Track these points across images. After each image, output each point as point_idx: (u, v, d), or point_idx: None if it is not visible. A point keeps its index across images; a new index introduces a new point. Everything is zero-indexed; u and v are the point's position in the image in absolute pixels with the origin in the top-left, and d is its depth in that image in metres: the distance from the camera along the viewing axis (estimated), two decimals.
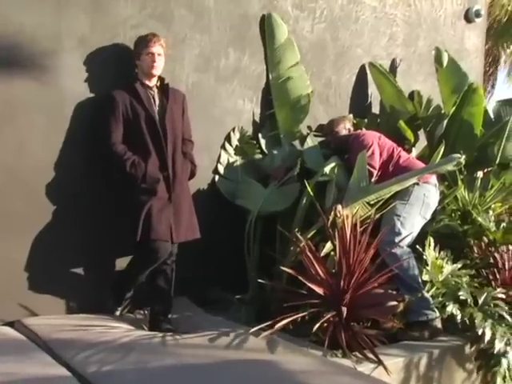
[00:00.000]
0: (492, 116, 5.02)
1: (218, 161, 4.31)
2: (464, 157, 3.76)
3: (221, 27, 4.26)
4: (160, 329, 3.47)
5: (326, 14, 4.88)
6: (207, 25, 4.19)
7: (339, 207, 3.70)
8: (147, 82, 3.62)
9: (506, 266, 4.18)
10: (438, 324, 3.64)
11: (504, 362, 3.46)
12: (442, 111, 4.97)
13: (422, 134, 5.06)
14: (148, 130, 3.51)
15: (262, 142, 4.50)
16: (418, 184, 3.88)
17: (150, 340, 3.24)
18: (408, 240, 3.77)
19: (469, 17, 5.80)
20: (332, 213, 3.70)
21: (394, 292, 3.65)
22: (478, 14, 5.80)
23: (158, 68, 3.61)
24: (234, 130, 4.38)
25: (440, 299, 3.67)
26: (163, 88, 3.67)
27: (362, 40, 5.14)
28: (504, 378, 3.51)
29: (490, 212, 4.27)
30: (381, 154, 4.03)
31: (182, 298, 3.91)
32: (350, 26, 5.05)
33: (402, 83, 5.08)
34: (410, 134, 4.89)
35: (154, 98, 3.62)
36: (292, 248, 3.90)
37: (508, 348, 3.45)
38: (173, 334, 3.38)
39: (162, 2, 3.93)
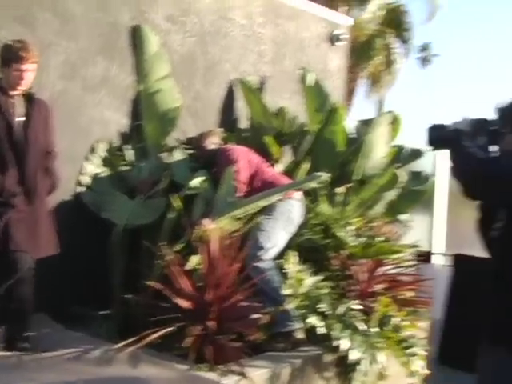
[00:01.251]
0: (353, 135, 5.35)
1: (83, 172, 4.22)
2: (328, 175, 3.98)
3: (89, 34, 4.20)
4: (17, 348, 3.33)
5: (196, 28, 4.97)
6: (74, 31, 4.11)
7: (206, 221, 3.78)
8: (10, 92, 3.44)
9: (363, 279, 4.46)
10: (300, 335, 3.81)
11: (359, 368, 3.70)
12: (307, 128, 5.23)
13: (287, 149, 5.27)
14: (7, 141, 3.35)
15: (130, 153, 4.48)
16: (282, 199, 4.04)
17: (5, 360, 3.10)
18: (272, 254, 3.91)
19: (332, 40, 6.16)
20: (199, 226, 3.77)
21: (259, 304, 3.77)
22: (338, 38, 6.17)
23: (26, 83, 3.42)
24: (100, 140, 4.31)
25: (302, 311, 3.84)
26: (27, 97, 3.50)
27: (231, 55, 5.29)
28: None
29: (350, 227, 4.53)
30: (248, 169, 4.15)
31: (41, 315, 3.77)
32: (219, 41, 5.17)
33: (269, 100, 5.29)
34: (275, 150, 5.07)
35: (15, 107, 3.45)
36: (158, 261, 3.90)
37: (363, 356, 3.69)
38: (31, 353, 3.25)
39: (24, 4, 3.80)
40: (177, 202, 3.98)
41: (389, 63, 18.75)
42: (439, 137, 2.47)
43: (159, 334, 3.39)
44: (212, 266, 3.61)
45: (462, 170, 2.24)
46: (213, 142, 4.48)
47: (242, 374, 3.24)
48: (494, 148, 2.40)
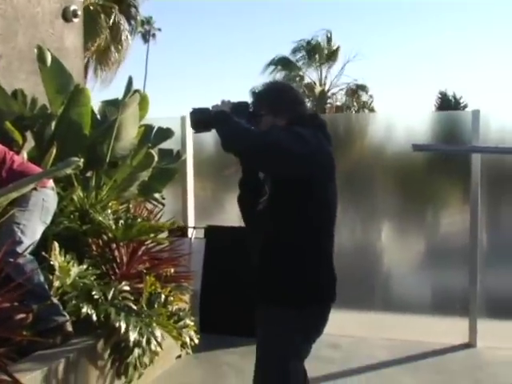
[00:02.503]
0: (98, 116, 5.25)
1: None
2: (82, 160, 3.87)
3: None
4: None
5: None
6: None
7: None
8: None
9: (125, 261, 4.48)
10: (69, 327, 3.70)
11: (136, 351, 3.74)
12: (49, 111, 4.98)
13: (29, 135, 4.98)
14: None
15: None
16: (35, 189, 3.82)
17: None
18: (30, 248, 3.70)
19: (66, 16, 5.91)
20: None
21: (21, 304, 3.55)
22: (75, 14, 5.95)
23: None
24: None
25: (74, 302, 3.73)
26: None
27: None
28: (135, 366, 3.79)
29: (108, 210, 4.49)
30: None
31: None
32: None
33: (3, 81, 4.90)
34: (17, 136, 4.76)
35: None
36: None
37: (140, 336, 3.74)
38: None
39: None
40: None
41: (116, 40, 18.64)
42: (203, 119, 2.64)
43: None
44: None
45: (235, 143, 2.42)
46: None
47: (13, 382, 3.04)
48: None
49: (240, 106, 2.64)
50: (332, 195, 2.60)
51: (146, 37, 43.44)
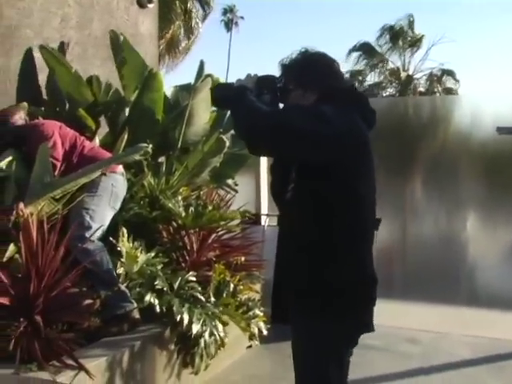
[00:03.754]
0: (171, 101, 5.19)
1: None
2: (151, 146, 3.80)
3: None
4: None
5: None
6: None
7: (21, 205, 3.42)
8: None
9: (195, 248, 4.41)
10: (136, 315, 3.64)
11: (201, 342, 3.64)
12: (123, 97, 4.97)
13: (103, 120, 4.99)
14: None
15: None
16: (105, 174, 3.80)
17: None
18: (99, 233, 3.67)
19: (141, 2, 5.89)
20: (14, 212, 3.40)
21: (90, 289, 3.53)
22: (150, 0, 5.92)
23: None
24: None
25: (138, 290, 3.68)
26: None
27: (31, 20, 4.80)
28: (201, 357, 3.70)
29: (179, 196, 4.42)
30: (63, 145, 3.83)
31: None
32: (15, 3, 4.66)
33: (78, 68, 4.90)
34: (90, 122, 4.75)
35: None
36: None
37: (204, 328, 3.64)
38: None
39: None
40: None
41: (189, 28, 18.70)
42: (224, 96, 2.38)
43: None
44: (32, 253, 3.27)
45: (246, 126, 2.13)
46: (20, 118, 4.04)
47: (79, 367, 3.00)
48: (281, 105, 2.35)
49: (266, 81, 2.33)
50: (365, 187, 2.22)
51: (229, 25, 43.67)
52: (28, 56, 4.76)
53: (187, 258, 4.34)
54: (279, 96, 2.32)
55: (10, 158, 3.79)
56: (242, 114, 2.16)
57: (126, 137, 4.40)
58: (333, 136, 2.07)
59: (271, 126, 2.05)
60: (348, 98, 2.26)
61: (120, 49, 4.99)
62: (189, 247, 4.37)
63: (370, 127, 2.28)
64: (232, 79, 2.44)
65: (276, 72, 2.41)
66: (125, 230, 3.82)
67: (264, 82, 2.33)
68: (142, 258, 3.81)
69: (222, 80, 5.18)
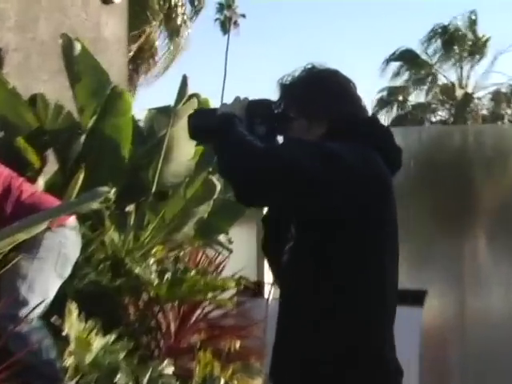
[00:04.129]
0: (143, 129, 5.25)
1: None
2: (114, 190, 3.82)
3: None
4: None
5: None
6: None
7: None
8: None
9: (172, 329, 4.39)
10: None
11: None
12: (77, 122, 5.02)
13: (51, 154, 5.03)
14: None
15: None
16: (50, 229, 3.80)
17: None
18: (39, 310, 3.66)
19: None
20: None
21: None
22: None
23: None
24: None
25: None
26: None
27: None
28: None
29: (151, 259, 4.43)
30: None
31: None
32: None
33: (17, 83, 4.99)
34: (33, 156, 4.80)
35: None
36: None
37: None
38: None
39: None
40: None
41: (172, 30, 19.01)
42: (204, 125, 2.36)
43: None
44: None
45: (234, 167, 2.10)
46: None
47: None
48: (280, 138, 2.31)
49: (259, 106, 2.30)
50: (384, 248, 2.20)
51: (226, 25, 44.40)
52: None
53: (161, 342, 4.36)
54: (277, 126, 2.30)
55: None
56: (228, 150, 2.13)
57: (80, 177, 4.42)
58: (349, 179, 2.05)
59: (270, 168, 2.03)
60: (366, 133, 2.25)
61: (75, 59, 5.06)
62: (164, 328, 4.39)
63: (394, 171, 2.26)
64: (229, 99, 2.43)
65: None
66: (74, 306, 3.81)
67: (257, 107, 2.29)
68: (99, 343, 3.80)
69: (213, 102, 5.26)
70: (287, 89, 2.34)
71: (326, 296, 2.14)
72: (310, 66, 2.34)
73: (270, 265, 2.49)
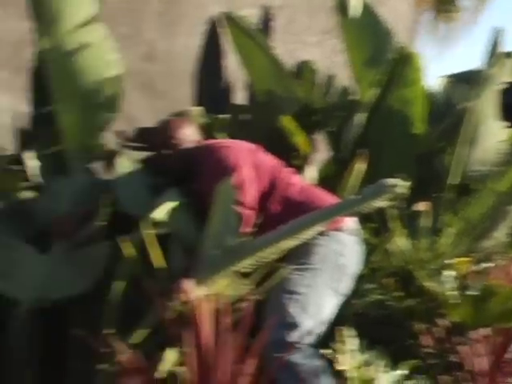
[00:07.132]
0: (439, 102, 5.26)
1: None
2: (407, 183, 3.86)
3: None
4: None
5: None
6: None
7: (188, 284, 3.68)
8: None
9: (483, 366, 4.35)
10: None
11: None
12: (355, 97, 5.13)
13: (323, 137, 5.18)
14: None
15: (33, 166, 4.42)
16: (324, 234, 3.95)
17: None
18: (313, 335, 3.81)
19: None
20: (175, 294, 3.67)
21: None
22: None
23: None
24: None
25: None
26: None
27: None
28: None
29: (450, 273, 4.43)
30: (258, 182, 4.05)
31: None
32: None
33: (281, 49, 5.18)
34: (301, 140, 4.96)
35: None
36: (101, 366, 3.82)
37: None
38: None
39: None
40: (129, 251, 3.88)
41: None
42: None
43: None
44: (205, 365, 3.50)
45: None
46: (189, 135, 4.36)
47: None
48: None
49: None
50: None
51: None
52: (207, 32, 5.13)
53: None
54: None
55: (172, 204, 4.09)
56: None
57: (361, 167, 4.49)
58: None
59: None
60: None
61: (349, 14, 5.17)
62: (469, 365, 4.37)
63: None
64: None
65: None
66: (351, 331, 3.92)
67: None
68: (384, 379, 3.86)
69: None
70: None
71: None
72: None
73: None
